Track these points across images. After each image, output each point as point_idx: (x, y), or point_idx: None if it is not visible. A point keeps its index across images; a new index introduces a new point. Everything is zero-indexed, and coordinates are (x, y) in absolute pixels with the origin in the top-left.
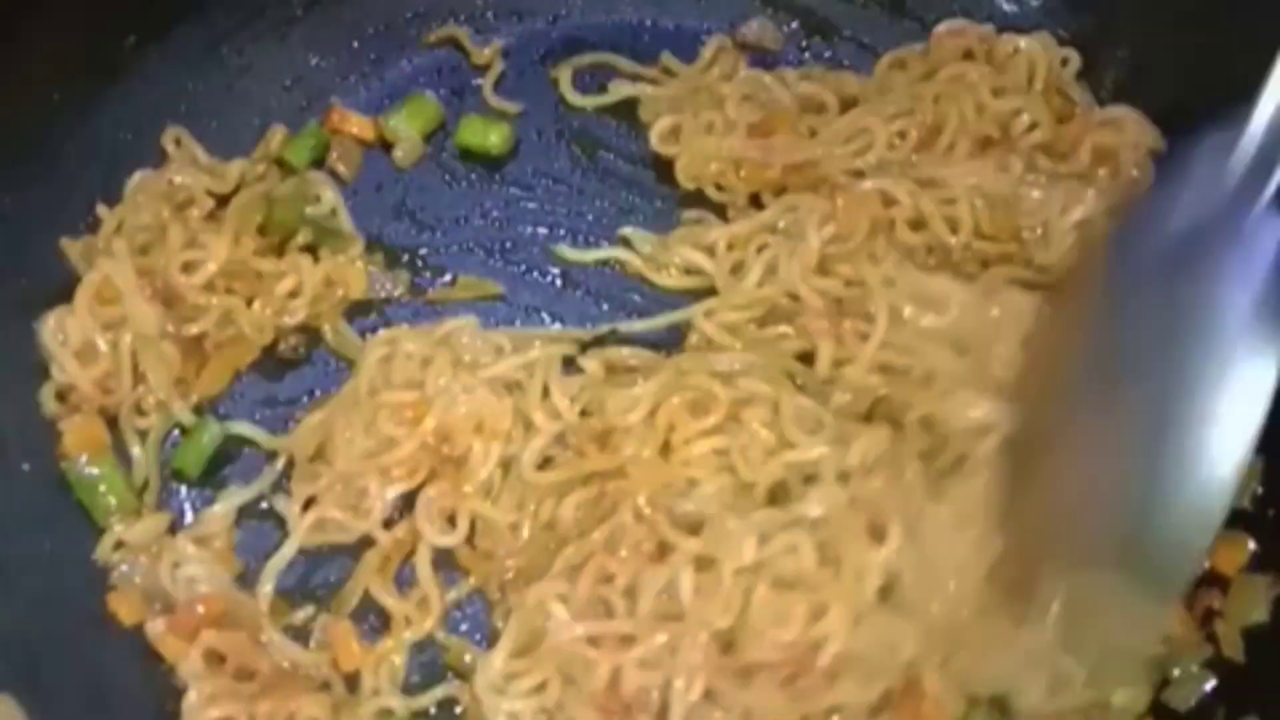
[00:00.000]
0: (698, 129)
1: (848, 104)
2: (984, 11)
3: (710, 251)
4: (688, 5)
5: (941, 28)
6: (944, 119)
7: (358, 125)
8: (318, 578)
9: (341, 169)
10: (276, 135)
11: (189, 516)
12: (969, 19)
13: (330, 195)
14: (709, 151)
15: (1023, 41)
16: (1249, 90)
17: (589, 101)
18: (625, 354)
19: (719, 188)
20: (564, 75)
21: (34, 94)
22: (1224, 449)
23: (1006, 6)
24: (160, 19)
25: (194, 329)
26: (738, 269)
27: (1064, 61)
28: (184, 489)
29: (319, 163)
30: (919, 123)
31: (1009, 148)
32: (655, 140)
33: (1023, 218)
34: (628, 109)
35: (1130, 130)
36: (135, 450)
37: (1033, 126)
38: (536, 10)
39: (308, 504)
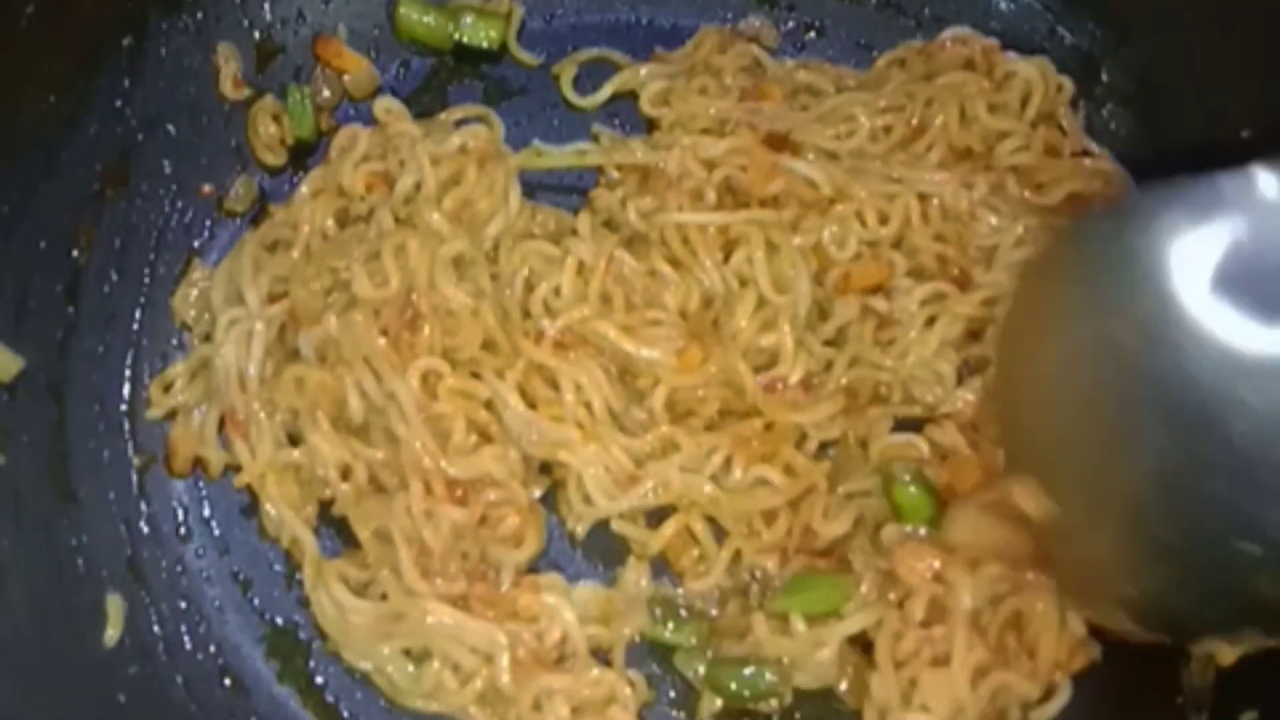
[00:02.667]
0: (689, 91)
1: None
2: (980, 9)
3: None
4: (684, 2)
5: (947, 33)
6: (929, 122)
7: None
8: None
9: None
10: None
11: None
12: (968, 20)
13: None
14: (697, 111)
15: (1020, 65)
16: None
17: (590, 101)
18: None
19: None
20: (565, 74)
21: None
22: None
23: (1004, 5)
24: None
25: None
26: None
27: (1059, 88)
28: None
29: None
30: (905, 120)
31: (985, 165)
32: (645, 103)
33: (973, 237)
34: (630, 109)
35: (1112, 184)
36: None
37: (1018, 151)
38: (533, 8)
39: None
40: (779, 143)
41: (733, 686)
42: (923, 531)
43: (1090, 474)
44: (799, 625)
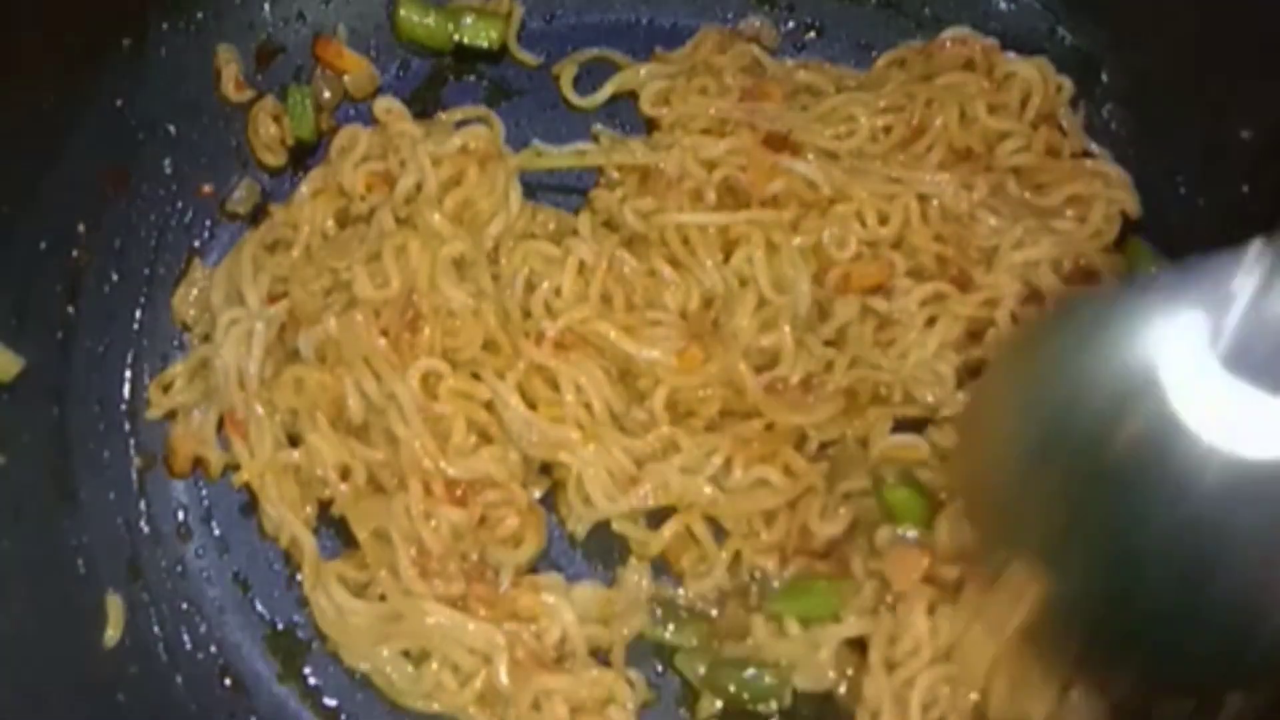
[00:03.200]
0: (690, 91)
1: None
2: (980, 9)
3: None
4: (684, 2)
5: (947, 34)
6: (929, 122)
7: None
8: None
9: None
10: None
11: None
12: (968, 20)
13: None
14: (697, 112)
15: (1020, 65)
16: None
17: (590, 101)
18: None
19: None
20: (565, 74)
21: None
22: None
23: (1004, 5)
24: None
25: None
26: None
27: (1059, 88)
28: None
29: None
30: (905, 120)
31: (985, 165)
32: (645, 103)
33: (973, 238)
34: (630, 109)
35: (1112, 184)
36: None
37: (1018, 151)
38: (533, 8)
39: None
40: (779, 143)
41: (732, 688)
42: (913, 534)
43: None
44: (793, 628)
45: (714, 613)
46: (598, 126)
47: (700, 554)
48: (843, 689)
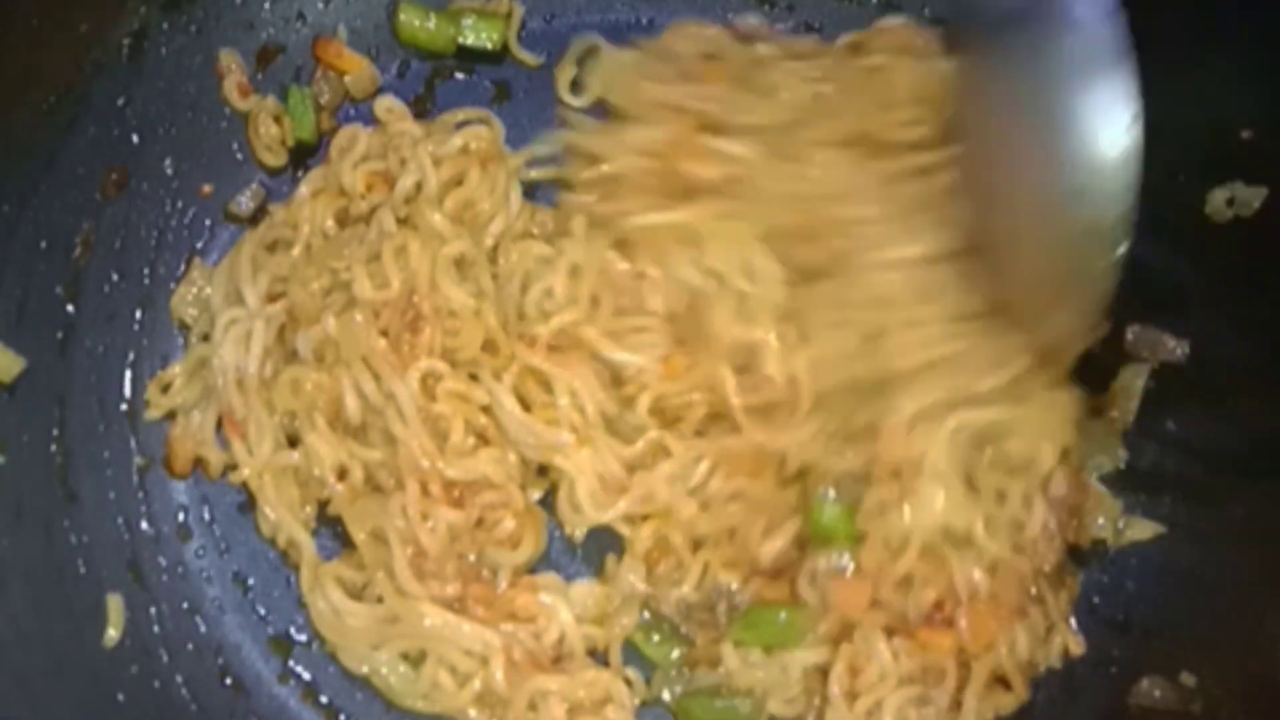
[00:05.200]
0: (637, 78)
1: None
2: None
3: None
4: (684, 2)
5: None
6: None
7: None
8: None
9: (328, 95)
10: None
11: None
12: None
13: None
14: (642, 98)
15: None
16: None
17: (582, 101)
18: None
19: None
20: (565, 75)
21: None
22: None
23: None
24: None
25: None
26: None
27: None
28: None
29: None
30: (834, 90)
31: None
32: (597, 85)
33: None
34: None
35: None
36: None
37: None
38: (533, 9)
39: None
40: (712, 125)
41: (705, 718)
42: (848, 564)
43: None
44: (756, 654)
45: (691, 632)
46: (575, 116)
47: (677, 561)
48: (811, 718)
